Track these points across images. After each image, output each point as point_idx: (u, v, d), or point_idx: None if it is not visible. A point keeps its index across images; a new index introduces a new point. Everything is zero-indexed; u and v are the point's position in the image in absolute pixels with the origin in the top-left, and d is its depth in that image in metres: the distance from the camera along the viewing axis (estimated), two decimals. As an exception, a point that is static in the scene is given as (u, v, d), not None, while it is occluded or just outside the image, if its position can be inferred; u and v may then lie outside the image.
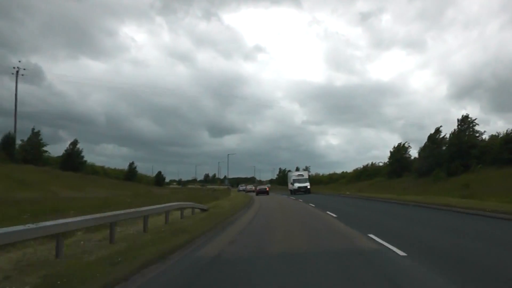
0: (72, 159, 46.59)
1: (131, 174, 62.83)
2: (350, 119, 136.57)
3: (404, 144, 46.31)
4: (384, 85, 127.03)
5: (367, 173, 54.78)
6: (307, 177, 55.93)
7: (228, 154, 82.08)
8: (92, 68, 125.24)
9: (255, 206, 26.48)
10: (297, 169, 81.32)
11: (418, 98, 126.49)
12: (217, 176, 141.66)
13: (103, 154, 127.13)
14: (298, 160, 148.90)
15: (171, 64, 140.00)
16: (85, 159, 51.15)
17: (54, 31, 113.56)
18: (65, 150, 47.99)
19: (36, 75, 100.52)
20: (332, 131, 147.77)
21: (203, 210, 19.52)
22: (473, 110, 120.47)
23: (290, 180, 55.08)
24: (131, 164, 63.37)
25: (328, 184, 66.66)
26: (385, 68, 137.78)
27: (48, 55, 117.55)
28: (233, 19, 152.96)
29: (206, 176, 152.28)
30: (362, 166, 58.08)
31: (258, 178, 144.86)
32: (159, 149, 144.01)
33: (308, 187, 50.42)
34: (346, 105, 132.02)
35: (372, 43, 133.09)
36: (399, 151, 45.81)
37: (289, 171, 56.10)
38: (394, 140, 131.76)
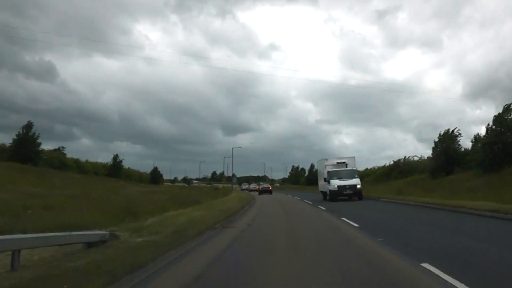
0: (24, 148, 36.79)
1: (115, 169, 52.88)
2: (364, 118, 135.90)
3: (453, 130, 34.75)
4: (399, 84, 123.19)
5: (399, 169, 43.25)
6: (355, 167, 32.77)
7: (233, 148, 73.00)
8: (106, 66, 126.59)
9: (246, 217, 16.89)
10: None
11: (433, 98, 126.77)
12: (225, 174, 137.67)
13: (116, 152, 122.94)
14: (311, 160, 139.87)
15: (185, 62, 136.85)
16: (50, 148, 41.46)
17: (68, 29, 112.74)
18: (16, 135, 38.16)
19: (49, 73, 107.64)
20: (346, 131, 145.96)
21: (102, 241, 8.64)
22: (488, 110, 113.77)
23: (323, 173, 31.90)
24: (115, 157, 53.34)
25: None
26: (400, 67, 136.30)
27: (62, 53, 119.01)
28: (248, 16, 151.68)
29: (213, 173, 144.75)
30: (392, 162, 46.58)
31: (270, 177, 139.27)
32: (172, 147, 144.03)
33: (359, 186, 29.07)
34: (360, 104, 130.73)
35: (387, 41, 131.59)
36: (447, 140, 34.27)
37: (325, 159, 34.06)
38: (408, 140, 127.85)
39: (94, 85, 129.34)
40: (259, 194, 46.95)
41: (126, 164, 60.32)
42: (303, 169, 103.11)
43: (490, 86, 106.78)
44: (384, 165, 49.79)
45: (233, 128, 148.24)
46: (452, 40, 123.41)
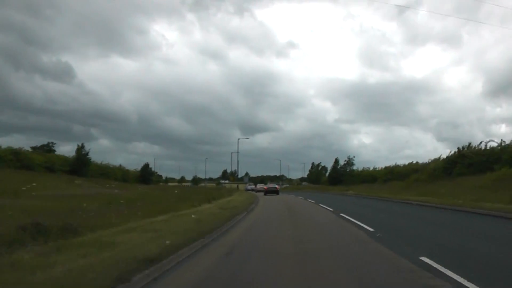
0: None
1: (79, 164, 41.20)
2: (383, 117, 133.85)
3: None
4: (418, 82, 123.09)
5: (467, 161, 30.16)
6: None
7: (238, 139, 60.81)
8: (123, 66, 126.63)
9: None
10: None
11: (452, 96, 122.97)
12: (235, 171, 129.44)
13: (134, 152, 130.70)
14: (330, 160, 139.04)
15: (202, 62, 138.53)
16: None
17: (85, 29, 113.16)
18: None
19: (67, 74, 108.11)
20: (365, 130, 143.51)
21: None
22: (509, 108, 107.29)
23: None
24: (80, 148, 41.74)
25: (389, 182, 42.24)
26: (419, 64, 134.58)
27: (79, 54, 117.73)
28: (266, 14, 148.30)
29: (224, 172, 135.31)
30: (451, 152, 33.28)
31: (287, 176, 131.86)
32: (190, 148, 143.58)
33: None
34: (379, 103, 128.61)
35: (407, 38, 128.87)
36: None
37: None
38: (427, 140, 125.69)
39: (111, 85, 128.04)
40: (265, 194, 41.78)
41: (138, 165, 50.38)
42: (324, 167, 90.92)
43: (511, 83, 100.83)
44: (438, 158, 36.60)
45: (251, 128, 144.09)
46: (472, 37, 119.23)
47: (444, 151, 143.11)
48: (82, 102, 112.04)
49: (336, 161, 64.32)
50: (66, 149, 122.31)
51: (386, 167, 49.93)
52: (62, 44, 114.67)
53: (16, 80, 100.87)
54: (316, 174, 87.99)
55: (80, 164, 40.13)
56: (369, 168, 57.73)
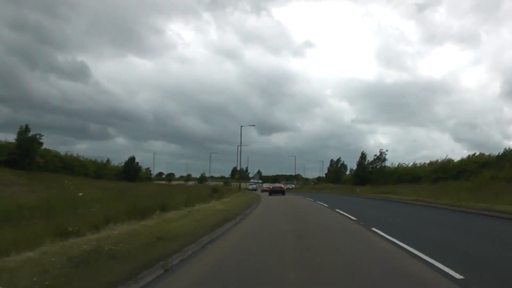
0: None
1: (23, 154, 31.34)
2: (400, 118, 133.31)
3: None
4: (435, 82, 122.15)
5: None
6: None
7: (242, 126, 50.38)
8: (139, 66, 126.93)
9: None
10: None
11: (470, 96, 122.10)
12: (249, 172, 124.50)
13: (151, 151, 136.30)
14: (346, 160, 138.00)
15: (218, 61, 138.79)
16: None
17: (100, 28, 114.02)
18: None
19: (82, 73, 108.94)
20: (382, 130, 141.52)
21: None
22: None
23: None
24: (23, 131, 31.83)
25: (442, 181, 30.97)
26: (437, 64, 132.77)
27: (95, 53, 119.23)
28: (283, 13, 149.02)
29: (234, 170, 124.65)
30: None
31: (303, 176, 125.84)
32: (207, 147, 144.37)
33: None
34: (396, 103, 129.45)
35: (424, 37, 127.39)
36: None
37: None
38: (444, 140, 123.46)
39: (127, 85, 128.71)
40: (269, 195, 38.41)
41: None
42: (343, 165, 79.59)
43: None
44: (490, 155, 25.57)
45: (267, 128, 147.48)
46: (491, 36, 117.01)
47: (462, 152, 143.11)
48: (98, 101, 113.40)
49: (363, 155, 52.98)
50: (82, 147, 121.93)
51: (432, 162, 38.89)
52: (78, 43, 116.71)
53: (32, 79, 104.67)
54: (336, 172, 76.70)
55: (22, 154, 30.23)
56: (405, 164, 46.37)
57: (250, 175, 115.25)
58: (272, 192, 39.94)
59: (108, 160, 49.23)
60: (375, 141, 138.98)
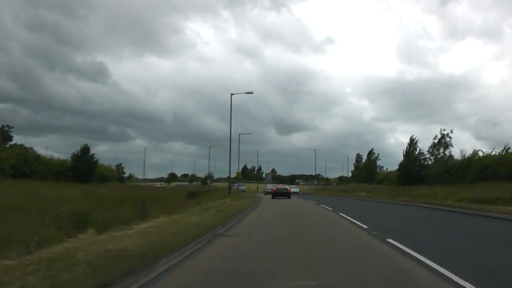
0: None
1: None
2: (420, 115, 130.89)
3: None
4: (456, 78, 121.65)
5: None
6: None
7: (232, 94, 38.01)
8: (158, 66, 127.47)
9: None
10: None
11: (492, 92, 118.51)
12: (263, 171, 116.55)
13: (171, 152, 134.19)
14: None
15: (237, 60, 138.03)
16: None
17: (118, 29, 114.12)
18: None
19: (101, 74, 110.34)
20: (402, 128, 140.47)
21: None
22: None
23: None
24: None
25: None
26: (459, 60, 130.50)
27: (113, 53, 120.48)
28: (303, 9, 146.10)
29: (244, 168, 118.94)
30: None
31: (324, 175, 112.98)
32: (227, 147, 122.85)
33: None
34: (416, 100, 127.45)
35: (446, 32, 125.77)
36: None
37: None
38: (465, 138, 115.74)
39: (146, 85, 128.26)
40: (272, 197, 34.84)
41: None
42: (376, 159, 63.98)
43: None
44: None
45: (287, 127, 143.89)
46: None
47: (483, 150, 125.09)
48: (117, 102, 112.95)
49: (412, 141, 37.89)
50: (102, 149, 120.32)
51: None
52: (96, 43, 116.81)
53: (50, 81, 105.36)
54: (368, 169, 61.47)
55: None
56: (478, 152, 31.64)
57: (263, 175, 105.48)
58: (276, 194, 36.25)
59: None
60: (395, 140, 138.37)
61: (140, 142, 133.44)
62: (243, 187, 62.99)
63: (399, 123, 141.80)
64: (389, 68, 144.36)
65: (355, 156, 74.85)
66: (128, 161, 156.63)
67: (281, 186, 42.27)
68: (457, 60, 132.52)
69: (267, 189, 47.29)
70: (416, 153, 38.03)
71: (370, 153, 64.08)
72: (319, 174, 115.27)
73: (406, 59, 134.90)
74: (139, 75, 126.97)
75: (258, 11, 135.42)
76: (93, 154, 38.40)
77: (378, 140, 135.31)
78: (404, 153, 39.24)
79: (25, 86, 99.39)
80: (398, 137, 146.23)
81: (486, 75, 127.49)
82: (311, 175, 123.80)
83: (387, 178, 49.85)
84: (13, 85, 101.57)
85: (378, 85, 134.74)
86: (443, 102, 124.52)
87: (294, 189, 68.59)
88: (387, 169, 67.97)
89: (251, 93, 34.11)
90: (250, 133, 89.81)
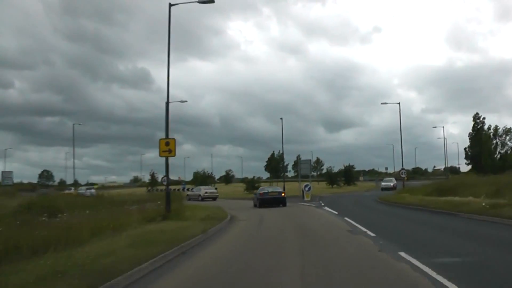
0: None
1: None
2: (471, 104, 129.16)
3: None
4: (508, 63, 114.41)
5: None
6: None
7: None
8: (201, 69, 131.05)
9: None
10: None
11: None
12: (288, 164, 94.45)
13: (219, 156, 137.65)
14: (417, 153, 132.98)
15: (281, 58, 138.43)
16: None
17: (159, 34, 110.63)
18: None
19: (144, 80, 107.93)
20: (453, 119, 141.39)
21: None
22: None
23: None
24: None
25: None
26: (510, 43, 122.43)
27: (155, 59, 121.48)
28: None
29: (269, 160, 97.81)
30: None
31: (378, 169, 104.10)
32: (275, 148, 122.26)
33: None
34: (466, 88, 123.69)
35: (497, 14, 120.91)
36: None
37: None
38: None
39: (191, 89, 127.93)
40: (258, 207, 25.63)
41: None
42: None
43: None
44: None
45: (335, 124, 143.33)
46: None
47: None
48: (162, 108, 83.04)
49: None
50: (150, 156, 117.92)
51: None
52: (137, 50, 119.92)
53: (94, 91, 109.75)
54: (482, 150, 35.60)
55: None
56: None
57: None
58: (263, 202, 25.55)
59: None
60: (446, 132, 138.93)
61: (187, 147, 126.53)
62: (93, 190, 46.96)
63: (449, 114, 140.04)
64: (437, 56, 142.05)
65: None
66: (175, 166, 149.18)
67: (274, 189, 31.28)
68: (508, 43, 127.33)
69: (258, 194, 28.39)
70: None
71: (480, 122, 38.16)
72: (373, 169, 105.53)
73: (455, 45, 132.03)
74: (183, 79, 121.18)
75: (302, 3, 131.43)
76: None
77: (428, 133, 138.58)
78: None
79: (70, 98, 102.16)
80: (449, 128, 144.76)
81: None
82: (364, 170, 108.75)
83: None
84: (58, 98, 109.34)
85: (426, 74, 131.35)
86: (495, 89, 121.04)
87: (387, 182, 48.42)
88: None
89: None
90: (185, 101, 70.98)
